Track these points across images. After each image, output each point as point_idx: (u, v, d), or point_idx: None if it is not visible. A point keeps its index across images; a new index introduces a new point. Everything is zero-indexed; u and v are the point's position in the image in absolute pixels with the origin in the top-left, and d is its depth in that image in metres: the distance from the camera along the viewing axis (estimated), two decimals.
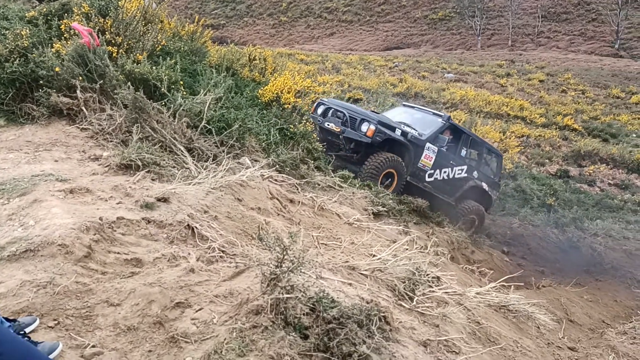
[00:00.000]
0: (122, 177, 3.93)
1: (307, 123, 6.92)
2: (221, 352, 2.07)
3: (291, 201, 4.93)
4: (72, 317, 2.26)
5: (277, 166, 5.53)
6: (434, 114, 8.97)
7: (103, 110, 4.89)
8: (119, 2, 5.96)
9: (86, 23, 5.48)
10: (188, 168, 4.51)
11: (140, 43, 5.90)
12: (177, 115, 5.07)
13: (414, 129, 8.18)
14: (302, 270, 2.57)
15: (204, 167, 4.60)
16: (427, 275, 3.63)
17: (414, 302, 3.25)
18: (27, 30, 5.27)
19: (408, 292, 3.33)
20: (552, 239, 9.96)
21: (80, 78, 4.92)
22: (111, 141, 4.62)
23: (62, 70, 4.85)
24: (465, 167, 8.67)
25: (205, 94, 5.54)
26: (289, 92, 7.06)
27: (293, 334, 2.18)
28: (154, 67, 5.37)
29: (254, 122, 6.07)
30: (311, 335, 2.18)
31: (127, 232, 3.06)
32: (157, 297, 2.44)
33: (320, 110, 8.16)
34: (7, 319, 2.02)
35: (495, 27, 43.62)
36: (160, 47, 6.22)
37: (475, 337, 3.27)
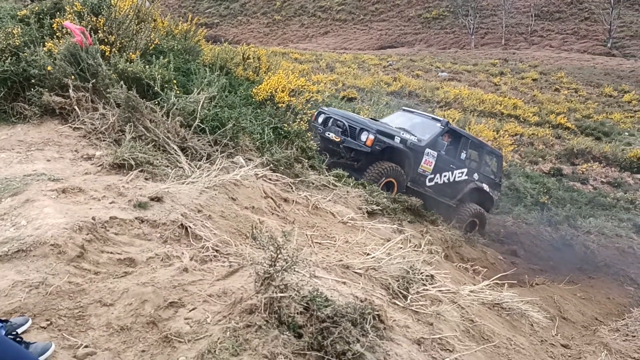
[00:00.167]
0: (115, 176, 3.92)
1: (301, 122, 6.92)
2: (215, 351, 2.06)
3: (285, 200, 4.93)
4: (65, 318, 2.24)
5: (271, 165, 5.52)
6: (432, 118, 9.06)
7: (96, 110, 4.87)
8: (112, 1, 5.93)
9: (78, 22, 5.44)
10: (181, 167, 4.49)
11: (133, 42, 5.88)
12: (170, 114, 5.05)
13: (413, 135, 8.26)
14: (296, 269, 2.57)
15: (198, 166, 4.59)
16: (421, 273, 3.64)
17: (408, 301, 3.26)
18: (19, 29, 5.24)
19: (402, 291, 3.34)
20: (545, 236, 10.02)
21: (73, 77, 4.89)
22: (104, 140, 4.60)
23: (54, 69, 4.82)
24: (465, 170, 8.75)
25: (198, 93, 5.52)
26: (283, 91, 7.07)
27: (287, 333, 2.18)
28: (147, 66, 5.35)
29: (247, 121, 6.07)
30: (305, 334, 2.18)
31: (120, 231, 3.04)
32: (150, 296, 2.43)
33: (320, 120, 8.21)
34: None
35: (488, 26, 43.84)
36: (153, 45, 6.20)
37: (469, 335, 3.28)
